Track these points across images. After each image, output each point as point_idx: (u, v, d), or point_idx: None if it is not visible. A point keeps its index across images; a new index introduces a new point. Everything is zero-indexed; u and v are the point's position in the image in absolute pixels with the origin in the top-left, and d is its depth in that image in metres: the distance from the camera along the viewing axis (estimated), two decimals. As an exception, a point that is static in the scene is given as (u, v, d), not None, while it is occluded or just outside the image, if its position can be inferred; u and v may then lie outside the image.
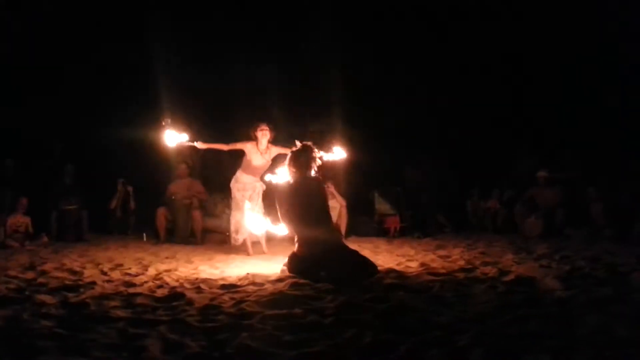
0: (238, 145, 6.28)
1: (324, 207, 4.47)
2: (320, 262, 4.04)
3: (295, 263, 4.26)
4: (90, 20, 9.89)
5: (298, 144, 4.67)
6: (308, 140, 4.75)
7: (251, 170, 6.29)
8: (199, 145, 6.10)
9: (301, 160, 4.50)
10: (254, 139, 6.22)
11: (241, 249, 6.39)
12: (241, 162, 6.41)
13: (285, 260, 4.52)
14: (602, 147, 8.71)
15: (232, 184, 6.38)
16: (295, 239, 4.41)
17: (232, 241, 6.45)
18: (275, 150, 6.22)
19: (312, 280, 3.79)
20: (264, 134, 6.16)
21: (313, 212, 4.35)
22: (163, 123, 5.81)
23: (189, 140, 5.93)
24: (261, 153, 6.21)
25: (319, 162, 4.63)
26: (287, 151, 5.93)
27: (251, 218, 5.91)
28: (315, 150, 4.63)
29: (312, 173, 4.54)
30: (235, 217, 6.40)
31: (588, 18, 9.07)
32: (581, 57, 9.46)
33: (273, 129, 6.30)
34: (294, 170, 4.52)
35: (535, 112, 9.86)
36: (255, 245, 6.43)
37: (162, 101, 9.17)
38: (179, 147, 6.29)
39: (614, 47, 8.92)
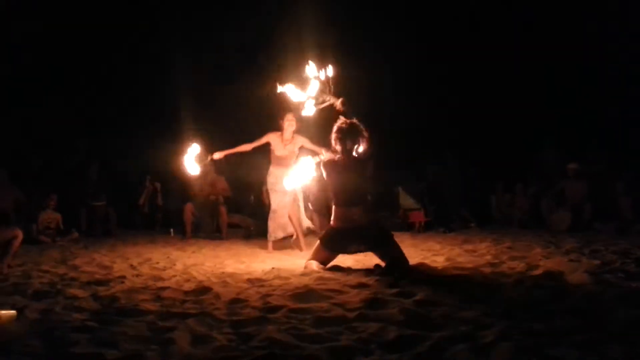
0: (263, 140, 6.18)
1: (363, 188, 4.43)
2: (353, 237, 4.27)
3: (330, 236, 4.39)
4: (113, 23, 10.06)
5: (342, 118, 4.48)
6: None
7: (278, 162, 6.17)
8: (217, 156, 6.08)
9: (346, 136, 4.38)
10: (280, 128, 6.14)
11: (285, 244, 6.31)
12: (270, 156, 6.33)
13: (310, 255, 4.55)
14: (629, 140, 8.53)
15: (267, 179, 6.34)
16: (332, 213, 4.48)
17: (271, 238, 6.26)
18: (301, 140, 6.12)
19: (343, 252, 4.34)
20: (290, 124, 6.07)
21: (350, 191, 4.35)
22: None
23: (205, 157, 5.96)
24: (285, 143, 6.12)
25: (364, 139, 4.41)
26: (311, 145, 5.93)
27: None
28: (362, 127, 4.42)
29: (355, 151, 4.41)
30: (271, 215, 6.30)
31: (612, 12, 8.88)
32: (605, 51, 9.26)
33: (300, 119, 6.10)
34: (337, 145, 4.42)
35: (560, 105, 9.69)
36: (287, 240, 6.35)
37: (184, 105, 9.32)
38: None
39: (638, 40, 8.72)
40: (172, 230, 8.82)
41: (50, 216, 8.17)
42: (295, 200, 6.13)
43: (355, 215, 4.31)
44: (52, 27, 9.69)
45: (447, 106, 10.26)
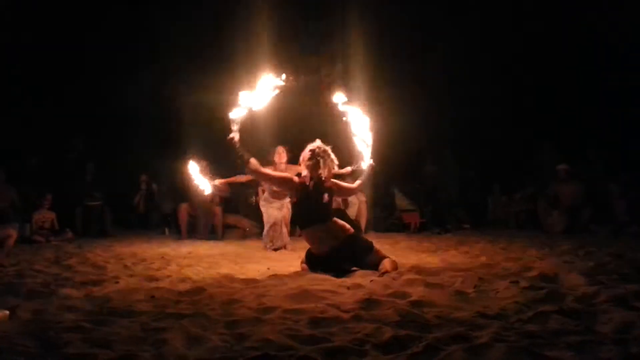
0: None
1: (324, 207, 4.26)
2: (332, 259, 4.13)
3: (310, 259, 4.34)
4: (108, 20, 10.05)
5: (318, 142, 4.43)
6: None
7: (274, 194, 6.44)
8: (218, 183, 6.03)
9: (316, 161, 4.29)
10: (272, 162, 6.32)
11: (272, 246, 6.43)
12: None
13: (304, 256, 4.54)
14: (624, 142, 8.56)
15: (262, 203, 6.60)
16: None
17: (264, 240, 6.53)
18: (293, 170, 6.03)
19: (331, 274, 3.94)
20: (279, 157, 6.31)
21: (311, 213, 4.25)
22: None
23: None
24: None
25: (334, 162, 4.39)
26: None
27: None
28: (331, 153, 4.38)
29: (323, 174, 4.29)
30: (265, 230, 6.54)
31: (610, 14, 8.92)
32: (603, 53, 9.29)
33: (290, 150, 6.36)
34: (307, 167, 4.35)
35: (557, 107, 9.72)
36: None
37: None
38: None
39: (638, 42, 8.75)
40: (167, 230, 8.80)
41: (45, 216, 8.14)
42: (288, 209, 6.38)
43: (321, 233, 4.18)
44: (49, 26, 9.66)
45: (445, 107, 10.27)
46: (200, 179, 5.74)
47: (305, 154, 4.36)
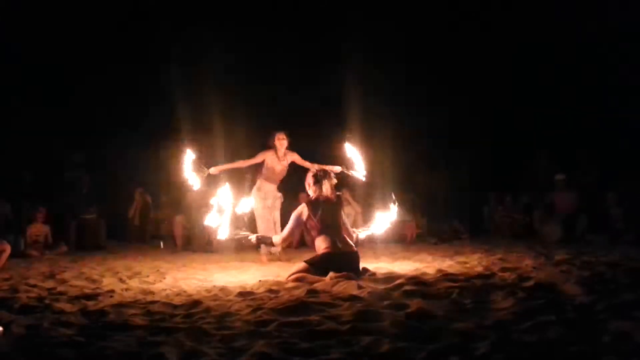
0: (259, 158, 6.45)
1: (340, 223, 4.80)
2: (339, 264, 4.40)
3: (319, 262, 4.50)
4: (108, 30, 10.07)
5: (316, 167, 5.22)
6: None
7: (272, 178, 6.47)
8: (213, 171, 6.16)
9: (319, 184, 4.84)
10: (273, 147, 6.41)
11: (270, 257, 6.34)
12: (261, 171, 6.55)
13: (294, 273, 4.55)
14: (620, 150, 8.59)
15: (255, 193, 6.44)
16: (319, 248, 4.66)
17: (262, 251, 6.39)
18: (291, 156, 6.46)
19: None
20: (281, 143, 6.40)
21: (330, 227, 4.69)
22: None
23: (202, 170, 6.05)
24: (280, 159, 6.43)
25: (334, 181, 4.95)
26: (302, 161, 6.39)
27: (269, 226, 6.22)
28: (332, 176, 4.96)
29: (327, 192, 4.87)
30: (259, 227, 6.41)
31: (608, 20, 9.00)
32: (601, 61, 9.36)
33: (289, 135, 6.52)
34: (313, 189, 4.89)
35: (552, 115, 9.77)
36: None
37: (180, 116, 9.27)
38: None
39: (636, 50, 8.82)
40: (162, 243, 8.75)
41: (39, 229, 8.09)
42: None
43: (339, 243, 4.60)
44: (47, 37, 9.68)
45: (439, 116, 10.30)
46: (191, 174, 5.78)
47: (309, 179, 4.94)
